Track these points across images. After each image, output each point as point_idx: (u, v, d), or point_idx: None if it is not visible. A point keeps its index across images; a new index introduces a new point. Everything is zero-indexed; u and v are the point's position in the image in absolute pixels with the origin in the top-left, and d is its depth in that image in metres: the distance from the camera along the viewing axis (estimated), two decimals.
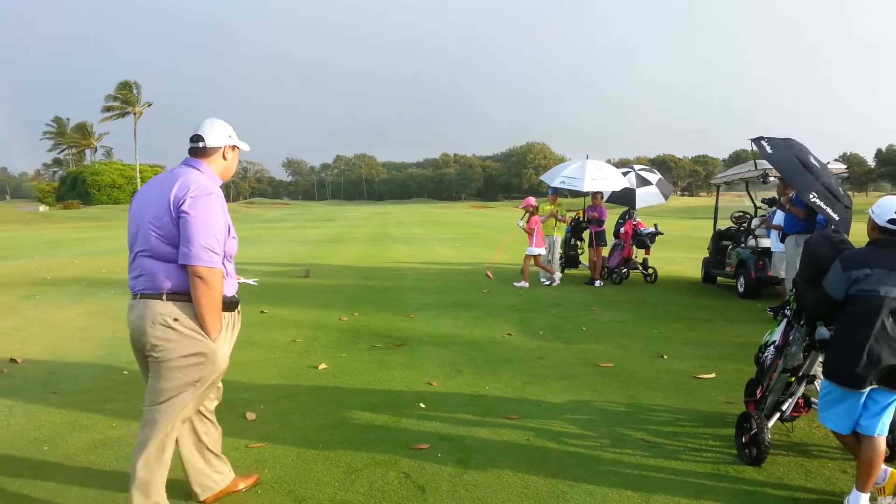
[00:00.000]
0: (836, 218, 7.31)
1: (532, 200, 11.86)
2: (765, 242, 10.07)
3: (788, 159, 7.67)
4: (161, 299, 2.92)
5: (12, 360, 6.34)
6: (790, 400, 4.15)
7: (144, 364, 3.10)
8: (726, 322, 8.49)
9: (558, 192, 12.16)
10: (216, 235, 2.92)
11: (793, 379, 4.19)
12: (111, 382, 5.70)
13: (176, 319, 2.91)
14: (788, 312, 4.17)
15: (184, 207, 2.85)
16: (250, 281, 3.81)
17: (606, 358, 6.51)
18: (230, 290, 3.15)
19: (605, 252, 12.62)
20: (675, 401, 5.19)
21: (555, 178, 11.99)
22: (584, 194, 12.64)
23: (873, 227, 3.53)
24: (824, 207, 7.29)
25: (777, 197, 9.06)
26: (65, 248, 22.37)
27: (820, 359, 4.00)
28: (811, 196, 7.29)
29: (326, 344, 7.15)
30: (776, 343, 4.17)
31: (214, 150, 3.16)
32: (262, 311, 9.02)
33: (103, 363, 6.34)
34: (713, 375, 5.89)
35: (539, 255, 11.81)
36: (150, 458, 3.01)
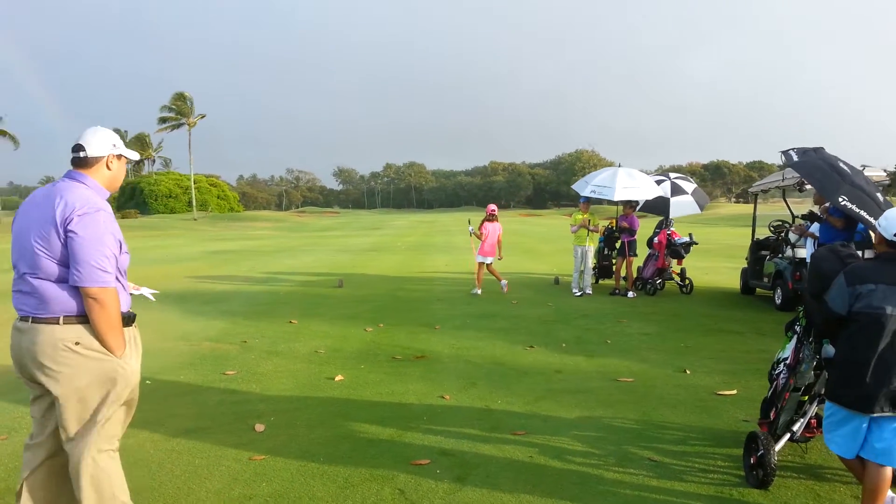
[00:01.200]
0: (873, 221, 6.96)
1: (492, 207, 12.10)
2: (802, 253, 9.73)
3: (815, 164, 7.38)
4: (58, 323, 2.79)
5: None
6: (802, 420, 4.01)
7: (40, 389, 2.92)
8: (758, 335, 8.24)
9: (590, 201, 12.01)
10: (107, 253, 2.82)
11: (805, 398, 4.05)
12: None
13: (77, 343, 2.81)
14: (799, 329, 4.03)
15: (71, 227, 2.75)
16: (147, 294, 3.71)
17: (627, 372, 6.40)
18: (124, 305, 3.05)
19: (638, 263, 12.41)
20: (689, 418, 5.07)
21: (585, 187, 11.85)
22: (617, 203, 12.47)
23: (880, 240, 3.39)
24: (857, 210, 6.94)
25: (816, 211, 8.64)
26: None
27: None
28: (840, 199, 6.96)
29: (347, 355, 7.22)
30: (787, 361, 4.03)
31: (97, 160, 3.01)
32: (290, 322, 9.18)
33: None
34: (734, 392, 5.72)
35: (489, 263, 11.93)
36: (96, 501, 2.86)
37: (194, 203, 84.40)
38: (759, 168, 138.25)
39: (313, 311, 10.15)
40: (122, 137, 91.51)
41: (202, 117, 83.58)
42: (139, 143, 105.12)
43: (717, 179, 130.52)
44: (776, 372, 4.20)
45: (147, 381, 6.16)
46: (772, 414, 4.09)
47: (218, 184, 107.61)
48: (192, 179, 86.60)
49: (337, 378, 6.21)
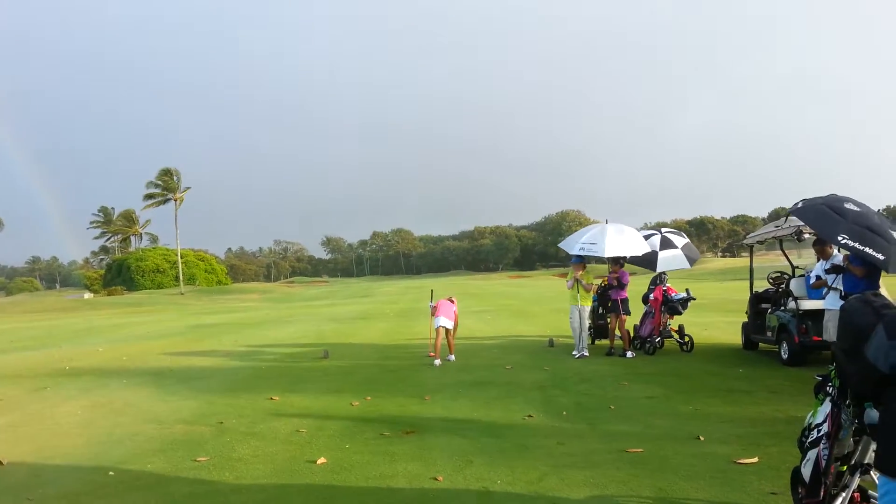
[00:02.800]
0: (881, 257, 6.56)
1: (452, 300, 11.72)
2: (806, 304, 9.34)
3: (814, 208, 7.06)
4: None
5: None
6: (844, 494, 3.51)
7: None
8: (769, 394, 7.75)
9: (583, 260, 11.64)
10: None
11: (844, 468, 3.56)
12: (92, 486, 5.28)
13: None
14: (831, 390, 3.59)
15: None
16: None
17: (635, 441, 5.87)
18: None
19: (634, 321, 11.97)
20: (711, 492, 4.55)
21: (574, 245, 11.50)
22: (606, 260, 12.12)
23: None
24: (860, 248, 6.53)
25: (840, 264, 8.17)
26: (96, 335, 22.45)
27: (873, 446, 3.39)
28: (840, 237, 6.59)
29: (332, 434, 6.65)
30: (826, 430, 3.55)
31: None
32: (270, 398, 8.60)
33: (91, 463, 5.94)
34: (756, 460, 5.21)
35: (447, 327, 11.28)
36: None
37: (181, 277, 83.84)
38: (743, 222, 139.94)
39: (296, 386, 9.56)
40: (109, 215, 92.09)
41: (188, 189, 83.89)
42: (126, 220, 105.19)
43: (702, 235, 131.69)
44: (809, 440, 3.73)
45: (110, 473, 5.59)
46: (821, 491, 3.57)
47: (206, 257, 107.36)
48: (179, 254, 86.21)
49: (319, 461, 5.64)
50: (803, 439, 3.84)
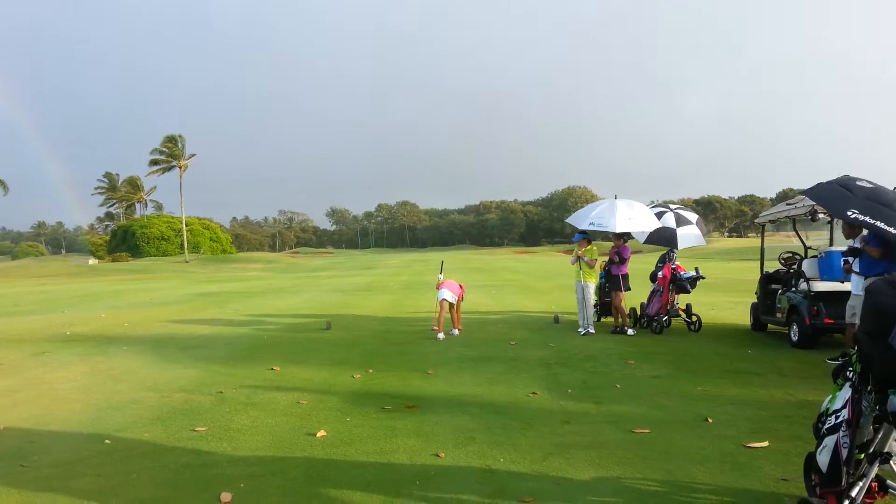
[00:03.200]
0: (893, 231, 6.34)
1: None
2: (818, 286, 9.15)
3: (825, 187, 6.84)
4: None
5: None
6: (861, 483, 3.37)
7: None
8: (779, 376, 7.61)
9: (587, 236, 11.44)
10: None
11: (862, 456, 3.42)
12: (87, 453, 5.18)
13: None
14: (851, 375, 3.43)
15: None
16: None
17: (642, 422, 5.74)
18: None
19: (640, 298, 11.80)
20: (721, 477, 4.41)
21: (583, 220, 11.28)
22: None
23: None
24: (871, 221, 6.26)
25: (855, 244, 7.88)
26: (98, 301, 22.45)
27: (895, 435, 3.24)
28: (849, 213, 6.36)
29: (332, 406, 6.55)
30: (845, 417, 3.39)
31: None
32: (272, 369, 8.51)
33: (88, 430, 5.85)
34: (766, 444, 5.07)
35: (451, 302, 11.22)
36: None
37: (186, 245, 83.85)
38: (751, 202, 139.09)
39: (298, 357, 9.47)
40: (114, 181, 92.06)
41: (192, 157, 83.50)
42: (131, 186, 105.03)
43: (709, 214, 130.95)
44: (826, 426, 3.58)
45: (106, 441, 5.50)
46: (842, 480, 3.42)
47: (210, 226, 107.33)
48: (184, 222, 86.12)
49: (319, 434, 5.54)
50: (819, 425, 3.69)
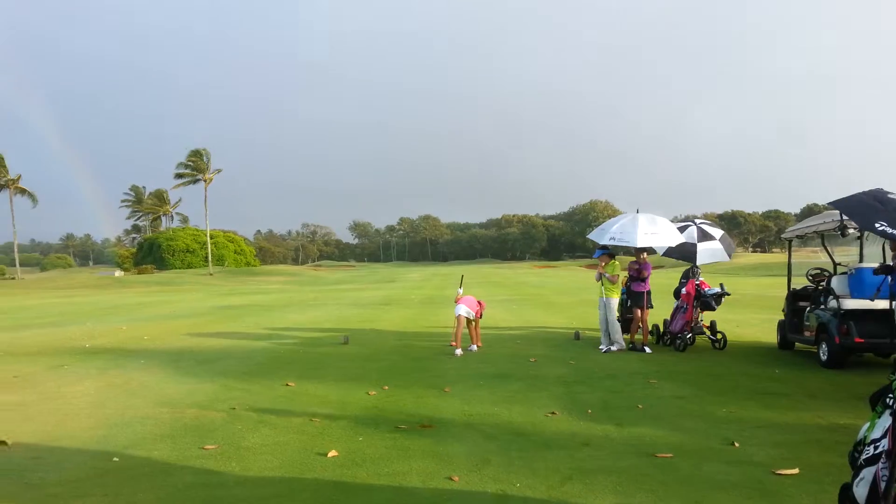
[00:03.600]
0: None
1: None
2: (848, 304, 8.83)
3: (854, 198, 6.62)
4: None
5: (1, 443, 5.84)
6: None
7: None
8: (808, 398, 7.32)
9: (608, 251, 11.22)
10: None
11: None
12: (94, 471, 5.09)
13: None
14: (892, 402, 3.21)
15: None
16: None
17: (665, 446, 5.51)
18: None
19: (664, 315, 11.52)
20: None
21: (604, 235, 11.07)
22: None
23: None
24: None
25: (891, 264, 7.52)
26: (121, 314, 22.59)
27: None
28: (878, 225, 6.13)
29: (345, 424, 6.40)
30: (885, 448, 3.17)
31: None
32: (286, 384, 8.39)
33: (97, 447, 5.76)
34: (796, 471, 4.82)
35: (468, 317, 10.99)
36: None
37: (210, 258, 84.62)
38: (776, 217, 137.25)
39: (313, 372, 9.35)
40: (140, 194, 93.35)
41: (218, 171, 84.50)
42: (157, 199, 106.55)
43: (732, 229, 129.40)
44: (864, 456, 3.35)
45: (115, 458, 5.40)
46: None
47: (235, 239, 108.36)
48: (209, 234, 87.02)
49: (330, 454, 5.39)
50: (856, 454, 3.46)
